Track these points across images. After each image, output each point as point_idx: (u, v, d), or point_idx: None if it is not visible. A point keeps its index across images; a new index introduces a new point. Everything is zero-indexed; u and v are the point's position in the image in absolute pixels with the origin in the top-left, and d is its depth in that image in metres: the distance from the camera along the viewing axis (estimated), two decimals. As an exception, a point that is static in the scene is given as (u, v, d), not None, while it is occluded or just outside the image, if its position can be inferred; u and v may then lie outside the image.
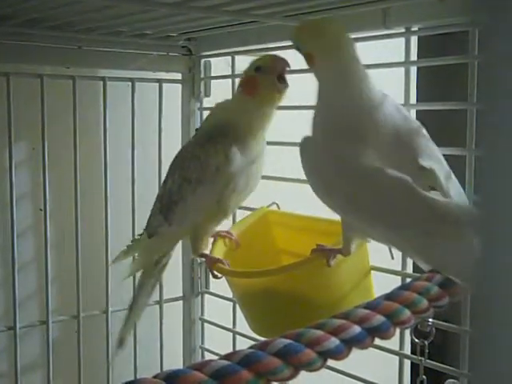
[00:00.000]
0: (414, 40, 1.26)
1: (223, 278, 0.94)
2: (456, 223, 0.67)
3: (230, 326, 1.15)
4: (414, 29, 0.86)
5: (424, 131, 0.75)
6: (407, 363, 0.96)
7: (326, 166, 0.75)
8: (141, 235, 1.00)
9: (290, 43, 1.00)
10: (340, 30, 0.75)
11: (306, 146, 0.77)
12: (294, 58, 0.85)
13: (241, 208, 1.05)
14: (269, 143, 1.06)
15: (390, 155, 0.71)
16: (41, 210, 1.07)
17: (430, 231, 0.68)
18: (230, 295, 1.06)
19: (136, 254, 1.01)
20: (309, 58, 0.77)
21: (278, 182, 1.04)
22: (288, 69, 0.90)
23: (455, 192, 0.72)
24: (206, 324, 1.23)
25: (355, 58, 0.74)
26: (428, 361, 0.82)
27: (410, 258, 0.81)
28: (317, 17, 0.89)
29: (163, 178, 1.10)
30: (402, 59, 0.88)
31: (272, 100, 0.90)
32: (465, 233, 0.66)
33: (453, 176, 0.73)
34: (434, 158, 0.72)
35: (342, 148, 0.73)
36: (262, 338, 0.76)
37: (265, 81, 0.89)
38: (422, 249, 0.70)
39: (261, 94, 0.90)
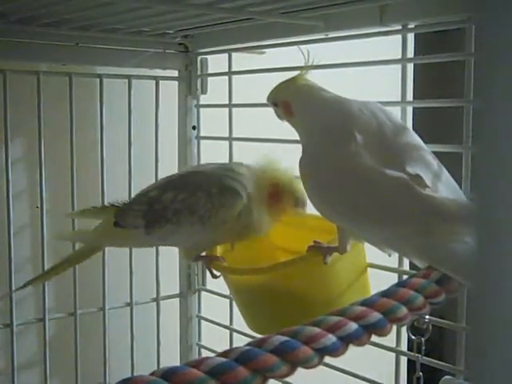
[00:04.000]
0: (410, 37, 1.26)
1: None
2: (453, 219, 0.67)
3: (227, 323, 1.15)
4: (411, 26, 0.86)
5: (409, 130, 0.77)
6: (404, 360, 0.96)
7: (323, 169, 0.76)
8: (109, 207, 0.94)
9: (286, 40, 1.01)
10: (303, 77, 0.84)
11: (302, 158, 0.79)
12: (293, 55, 0.85)
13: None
14: (265, 140, 1.06)
15: (380, 155, 0.72)
16: (37, 207, 1.07)
17: (429, 228, 0.68)
18: (227, 292, 1.06)
19: (95, 228, 0.94)
20: (285, 106, 0.83)
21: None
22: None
23: (448, 189, 0.72)
24: (202, 321, 1.23)
25: (322, 88, 0.82)
26: (424, 357, 0.82)
27: (406, 257, 0.82)
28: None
29: (160, 175, 1.09)
30: (399, 56, 0.88)
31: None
32: (462, 229, 0.66)
33: (444, 174, 0.73)
34: (419, 160, 0.73)
35: (337, 149, 0.74)
36: (259, 335, 0.76)
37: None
38: (420, 246, 0.70)
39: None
